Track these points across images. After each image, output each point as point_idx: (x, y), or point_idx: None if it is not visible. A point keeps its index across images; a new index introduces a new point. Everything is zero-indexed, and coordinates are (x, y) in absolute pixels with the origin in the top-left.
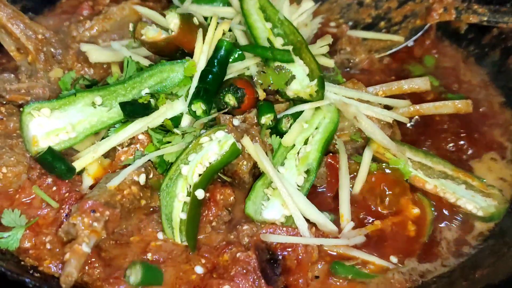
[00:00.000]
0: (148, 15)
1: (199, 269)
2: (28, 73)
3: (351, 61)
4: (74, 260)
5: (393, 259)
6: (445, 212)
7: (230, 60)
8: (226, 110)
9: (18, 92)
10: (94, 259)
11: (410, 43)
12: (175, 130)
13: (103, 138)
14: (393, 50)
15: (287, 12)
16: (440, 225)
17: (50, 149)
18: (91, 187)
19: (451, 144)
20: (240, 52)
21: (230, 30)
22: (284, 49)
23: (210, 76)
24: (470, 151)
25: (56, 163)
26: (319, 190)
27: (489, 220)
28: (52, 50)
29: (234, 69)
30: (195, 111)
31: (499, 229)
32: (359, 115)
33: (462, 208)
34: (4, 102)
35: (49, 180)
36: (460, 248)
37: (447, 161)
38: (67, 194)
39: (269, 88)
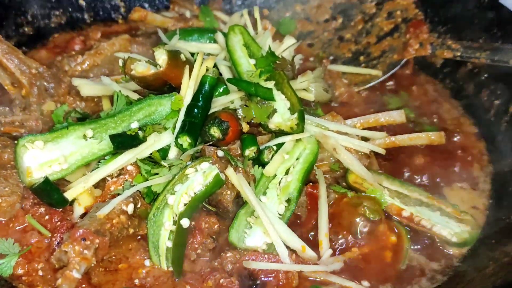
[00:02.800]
0: None
1: None
2: (22, 106)
3: (331, 93)
4: (66, 285)
5: (367, 284)
6: (421, 239)
7: (216, 94)
8: (211, 142)
9: (12, 124)
10: (84, 286)
11: (387, 77)
12: (163, 162)
13: (93, 170)
14: (372, 84)
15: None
16: (416, 252)
17: (46, 179)
18: (82, 216)
19: (425, 174)
20: (224, 87)
21: (215, 65)
22: (267, 86)
23: (195, 110)
24: (443, 181)
25: (51, 193)
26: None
27: (462, 246)
28: (45, 84)
29: (218, 103)
30: (181, 144)
31: (471, 255)
32: (338, 147)
33: (437, 234)
34: None
35: (42, 209)
36: (434, 274)
37: (422, 189)
38: (59, 222)
39: (252, 121)
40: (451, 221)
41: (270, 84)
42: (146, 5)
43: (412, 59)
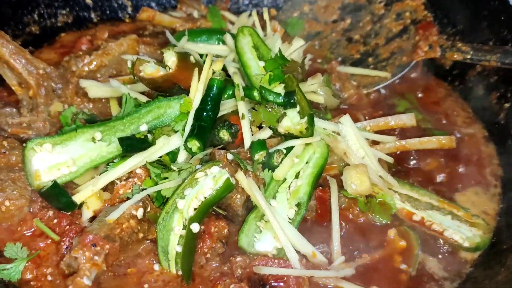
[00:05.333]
0: None
1: None
2: (29, 107)
3: (340, 96)
4: None
5: None
6: (432, 243)
7: (225, 97)
8: (220, 146)
9: (19, 126)
10: None
11: (396, 79)
12: (172, 166)
13: (102, 173)
14: (380, 85)
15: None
16: (427, 257)
17: (55, 183)
18: (91, 220)
19: (435, 177)
20: (233, 89)
21: (223, 67)
22: (276, 91)
23: (204, 113)
24: (454, 185)
25: (60, 197)
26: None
27: (474, 250)
28: (53, 84)
29: (227, 106)
30: (190, 148)
31: (483, 260)
32: (348, 151)
33: (448, 238)
34: (6, 136)
35: (50, 213)
36: (445, 279)
37: (433, 193)
38: (67, 226)
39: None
40: (462, 225)
41: (280, 89)
42: (154, 4)
43: (421, 61)
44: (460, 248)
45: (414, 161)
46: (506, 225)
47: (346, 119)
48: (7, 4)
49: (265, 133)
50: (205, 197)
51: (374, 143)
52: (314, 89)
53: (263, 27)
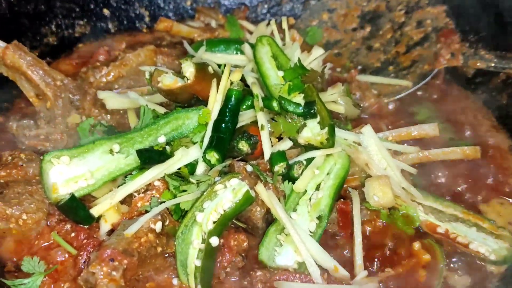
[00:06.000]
0: None
1: None
2: (46, 119)
3: (361, 105)
4: None
5: None
6: (457, 256)
7: (243, 107)
8: (240, 158)
9: (37, 138)
10: None
11: (418, 87)
12: (191, 178)
13: (120, 185)
14: (402, 94)
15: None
16: (452, 271)
17: (73, 196)
18: (109, 233)
19: (459, 188)
20: (251, 99)
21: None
22: (296, 102)
23: (223, 125)
24: (479, 196)
25: (78, 210)
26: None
27: (502, 264)
28: (70, 96)
29: (246, 117)
30: (209, 160)
31: (509, 273)
32: (370, 162)
33: (474, 251)
34: (24, 148)
35: (68, 226)
36: None
37: (457, 204)
38: (85, 240)
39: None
40: (488, 238)
41: (299, 98)
42: (171, 14)
43: (443, 69)
44: (486, 261)
45: (439, 173)
46: None
47: (367, 129)
48: (25, 15)
49: (285, 144)
50: (224, 210)
51: (396, 153)
52: (334, 99)
53: (282, 37)
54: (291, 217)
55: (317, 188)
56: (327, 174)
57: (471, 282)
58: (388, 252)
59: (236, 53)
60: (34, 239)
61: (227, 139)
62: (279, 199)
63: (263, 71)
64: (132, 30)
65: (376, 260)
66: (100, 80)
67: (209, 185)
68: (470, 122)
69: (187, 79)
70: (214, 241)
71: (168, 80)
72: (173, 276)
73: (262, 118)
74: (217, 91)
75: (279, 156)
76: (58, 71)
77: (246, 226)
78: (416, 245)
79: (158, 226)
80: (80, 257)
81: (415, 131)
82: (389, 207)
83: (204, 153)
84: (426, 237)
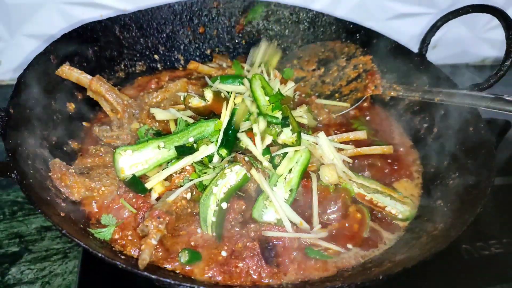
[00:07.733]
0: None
1: (223, 253)
2: (117, 125)
3: (317, 119)
4: (147, 249)
5: (348, 246)
6: (377, 215)
7: (243, 119)
8: (240, 151)
9: (111, 137)
10: (158, 246)
11: (353, 108)
12: (209, 165)
13: (164, 169)
14: (343, 112)
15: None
16: (374, 225)
17: (134, 176)
18: (157, 199)
19: (380, 173)
20: (249, 115)
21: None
22: (276, 116)
23: (230, 131)
24: (392, 178)
25: (137, 184)
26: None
27: (405, 220)
28: (133, 111)
29: (245, 126)
30: (221, 154)
31: (411, 227)
32: (323, 155)
33: (388, 212)
34: (103, 144)
35: (130, 195)
36: (387, 240)
37: (378, 182)
38: (141, 204)
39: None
40: (397, 203)
41: (279, 114)
42: (197, 58)
43: (369, 96)
44: (396, 218)
45: (366, 162)
46: (425, 204)
47: (321, 134)
48: (104, 58)
49: (267, 140)
50: (230, 185)
51: (339, 150)
52: (301, 115)
53: (268, 74)
54: (273, 190)
55: (290, 171)
56: (296, 162)
57: (386, 232)
58: (334, 212)
59: (239, 85)
60: (109, 203)
61: (232, 141)
62: (265, 179)
63: (256, 96)
64: (172, 69)
65: (326, 217)
66: (152, 101)
67: (221, 169)
68: (386, 130)
69: (207, 101)
70: (224, 205)
71: (195, 101)
72: (198, 227)
73: (255, 127)
74: (227, 109)
75: (266, 151)
76: (125, 95)
77: (244, 195)
78: (351, 208)
79: (188, 195)
80: (138, 215)
81: (351, 135)
82: (335, 184)
83: (218, 149)
84: (358, 203)
